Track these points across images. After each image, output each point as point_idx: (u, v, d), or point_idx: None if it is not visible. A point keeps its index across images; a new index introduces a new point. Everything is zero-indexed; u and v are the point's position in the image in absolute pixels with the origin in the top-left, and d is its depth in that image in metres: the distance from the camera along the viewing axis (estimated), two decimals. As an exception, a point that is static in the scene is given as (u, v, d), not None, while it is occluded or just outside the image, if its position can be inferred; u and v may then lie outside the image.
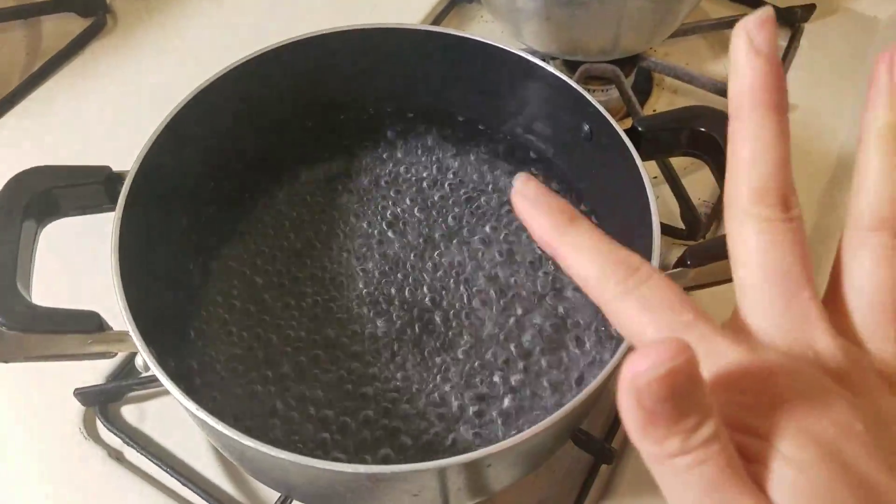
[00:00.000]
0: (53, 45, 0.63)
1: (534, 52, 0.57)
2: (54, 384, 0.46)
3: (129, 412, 0.47)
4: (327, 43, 0.45)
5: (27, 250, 0.36)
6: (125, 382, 0.46)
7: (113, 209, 0.38)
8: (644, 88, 0.66)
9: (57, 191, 0.37)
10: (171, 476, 0.44)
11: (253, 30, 0.66)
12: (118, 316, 0.34)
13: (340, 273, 0.46)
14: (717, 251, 0.37)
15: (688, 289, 0.39)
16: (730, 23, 0.68)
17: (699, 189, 0.57)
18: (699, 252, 0.37)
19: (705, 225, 0.54)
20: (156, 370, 0.32)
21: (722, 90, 0.63)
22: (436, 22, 0.67)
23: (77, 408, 0.46)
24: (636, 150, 0.40)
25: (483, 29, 0.69)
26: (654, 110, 0.64)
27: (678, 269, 0.37)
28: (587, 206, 0.47)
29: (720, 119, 0.40)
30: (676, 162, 0.57)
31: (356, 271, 0.46)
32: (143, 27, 0.66)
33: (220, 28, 0.67)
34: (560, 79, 0.43)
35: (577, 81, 0.48)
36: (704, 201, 0.57)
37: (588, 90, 0.43)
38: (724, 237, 0.37)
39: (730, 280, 0.38)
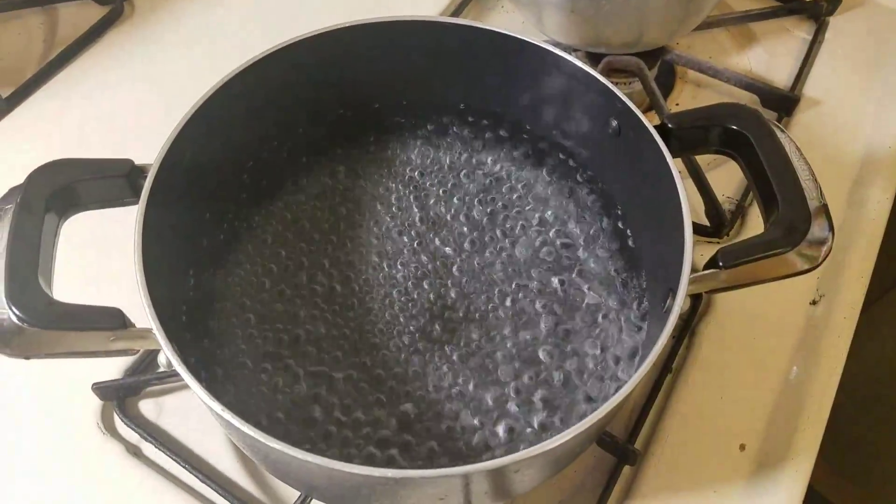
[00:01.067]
0: (70, 33, 0.63)
1: (556, 44, 0.56)
2: (72, 378, 0.46)
3: (146, 407, 0.46)
4: (350, 35, 0.44)
5: (49, 244, 0.35)
6: (143, 377, 0.46)
7: (134, 202, 0.37)
8: (667, 82, 0.65)
9: (79, 184, 0.36)
10: (189, 472, 0.43)
11: (275, 19, 0.65)
12: (139, 311, 0.34)
13: (365, 269, 0.45)
14: (751, 252, 0.36)
15: (718, 290, 0.38)
16: (754, 16, 0.67)
17: (723, 185, 0.56)
18: (732, 253, 0.36)
19: (730, 222, 0.54)
20: (180, 368, 0.32)
21: (745, 84, 0.62)
22: (456, 12, 0.66)
23: (95, 402, 0.46)
24: (665, 146, 0.39)
25: (503, 19, 0.68)
26: (677, 104, 0.63)
27: (710, 271, 0.36)
28: (615, 203, 0.46)
29: (753, 117, 0.39)
30: (701, 157, 0.56)
31: (380, 267, 0.45)
32: (162, 15, 0.66)
33: (241, 17, 0.66)
34: (588, 73, 0.43)
35: (601, 74, 0.47)
36: (728, 197, 0.56)
37: (612, 83, 0.42)
38: (756, 237, 0.37)
39: (762, 282, 0.37)
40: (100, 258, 0.48)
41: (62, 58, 0.61)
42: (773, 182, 0.37)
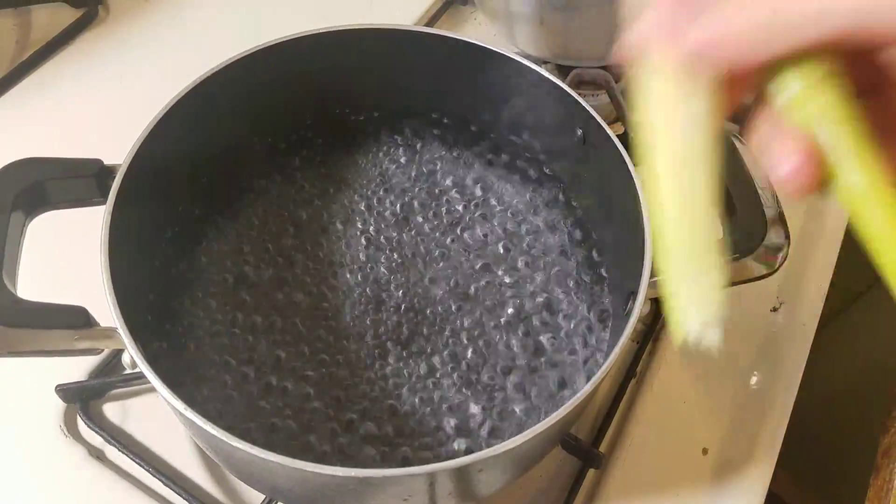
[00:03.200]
0: (43, 35, 0.62)
1: (527, 56, 0.57)
2: (35, 380, 0.45)
3: (111, 410, 0.46)
4: (323, 41, 0.44)
5: (14, 243, 0.35)
6: (108, 379, 0.46)
7: (102, 202, 0.37)
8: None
9: (47, 183, 0.36)
10: (153, 476, 0.43)
11: (248, 24, 0.66)
12: (105, 311, 0.34)
13: (331, 272, 0.46)
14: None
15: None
16: (720, 32, 0.69)
17: (689, 196, 0.57)
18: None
19: (694, 232, 0.55)
20: (144, 368, 0.32)
21: (712, 99, 0.63)
22: (430, 23, 0.67)
23: (58, 404, 0.45)
24: (627, 154, 0.40)
25: (476, 31, 0.69)
26: (645, 117, 0.64)
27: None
28: (580, 209, 0.47)
29: (713, 127, 0.41)
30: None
31: (347, 270, 0.46)
32: (137, 20, 0.66)
33: (215, 22, 0.66)
34: (554, 83, 0.44)
35: (569, 86, 0.48)
36: (693, 208, 0.57)
37: (579, 95, 0.43)
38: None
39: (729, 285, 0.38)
40: (62, 257, 0.47)
41: (35, 59, 0.61)
42: (731, 190, 0.38)
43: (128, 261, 0.36)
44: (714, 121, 0.23)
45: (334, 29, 0.45)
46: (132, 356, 0.32)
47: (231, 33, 0.65)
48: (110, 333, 0.33)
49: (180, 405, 0.31)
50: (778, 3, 0.20)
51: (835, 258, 0.55)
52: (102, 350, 0.37)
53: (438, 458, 0.38)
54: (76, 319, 0.33)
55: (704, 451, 0.46)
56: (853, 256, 0.58)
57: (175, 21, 0.66)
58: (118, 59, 0.63)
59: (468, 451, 0.39)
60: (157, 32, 0.65)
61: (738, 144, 0.40)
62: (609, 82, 0.59)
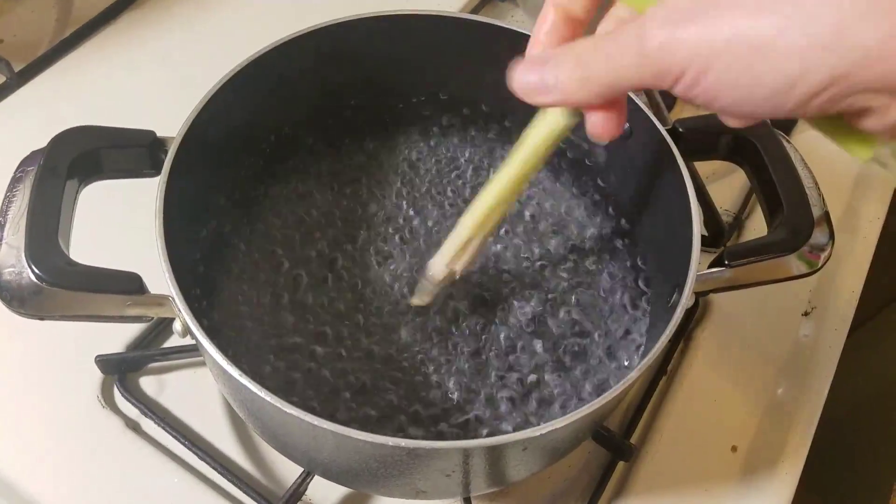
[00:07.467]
0: (85, 13, 0.63)
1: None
2: (75, 350, 0.46)
3: (147, 383, 0.46)
4: (375, 25, 0.44)
5: (68, 209, 0.35)
6: (147, 352, 0.46)
7: (153, 175, 0.38)
8: (668, 99, 0.66)
9: (101, 151, 0.37)
10: (188, 449, 0.43)
11: (290, 8, 0.66)
12: (156, 280, 0.34)
13: (377, 248, 0.46)
14: (755, 252, 0.37)
15: (720, 290, 0.40)
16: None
17: (722, 197, 0.57)
18: (737, 252, 0.37)
19: (728, 232, 0.55)
20: (199, 335, 0.32)
21: (745, 104, 0.64)
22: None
23: (96, 375, 0.45)
24: (676, 148, 0.40)
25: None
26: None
27: (715, 269, 0.37)
28: (622, 202, 0.47)
29: (761, 125, 0.41)
30: (701, 168, 0.57)
31: (392, 247, 0.46)
32: (179, 1, 0.66)
33: (259, 4, 0.66)
34: (602, 76, 0.44)
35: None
36: (726, 210, 0.57)
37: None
38: (761, 239, 0.38)
39: (762, 283, 0.39)
40: (110, 225, 0.47)
41: (77, 36, 0.61)
42: (779, 188, 0.39)
43: (178, 231, 0.37)
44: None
45: (380, 14, 0.45)
46: (186, 324, 0.33)
47: (273, 16, 0.65)
48: (162, 301, 0.34)
49: (235, 371, 0.31)
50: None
51: (867, 267, 0.55)
52: (152, 318, 0.37)
53: (473, 436, 0.39)
54: (130, 285, 0.34)
55: (734, 449, 0.46)
56: (884, 263, 0.58)
57: (219, 4, 0.66)
58: (160, 40, 0.63)
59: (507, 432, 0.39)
60: (200, 14, 0.65)
61: (785, 144, 0.40)
62: (647, 81, 0.59)
